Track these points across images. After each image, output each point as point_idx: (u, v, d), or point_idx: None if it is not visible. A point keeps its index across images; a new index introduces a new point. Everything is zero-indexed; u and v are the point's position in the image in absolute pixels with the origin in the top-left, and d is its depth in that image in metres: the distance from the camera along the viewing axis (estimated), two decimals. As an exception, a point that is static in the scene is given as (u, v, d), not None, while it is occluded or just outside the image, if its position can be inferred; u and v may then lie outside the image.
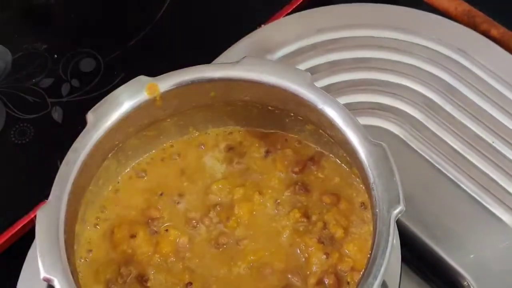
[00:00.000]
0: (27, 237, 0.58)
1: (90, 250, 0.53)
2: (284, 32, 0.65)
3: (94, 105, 0.59)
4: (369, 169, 0.47)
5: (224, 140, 0.56)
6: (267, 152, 0.56)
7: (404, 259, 0.53)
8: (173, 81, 0.52)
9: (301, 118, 0.53)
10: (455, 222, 0.56)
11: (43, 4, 0.69)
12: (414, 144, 0.60)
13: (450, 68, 0.62)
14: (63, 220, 0.47)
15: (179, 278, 0.52)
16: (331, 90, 0.62)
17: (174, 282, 0.52)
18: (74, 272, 0.46)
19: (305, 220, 0.53)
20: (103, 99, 0.51)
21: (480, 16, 0.65)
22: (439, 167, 0.59)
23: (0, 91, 0.64)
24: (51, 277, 0.45)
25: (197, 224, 0.53)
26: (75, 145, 0.50)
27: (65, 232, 0.47)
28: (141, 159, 0.56)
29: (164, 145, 0.56)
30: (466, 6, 0.66)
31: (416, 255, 0.56)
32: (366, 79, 0.63)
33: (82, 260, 0.52)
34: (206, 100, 0.54)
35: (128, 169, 0.55)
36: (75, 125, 0.62)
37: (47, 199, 0.59)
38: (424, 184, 0.58)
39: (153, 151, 0.56)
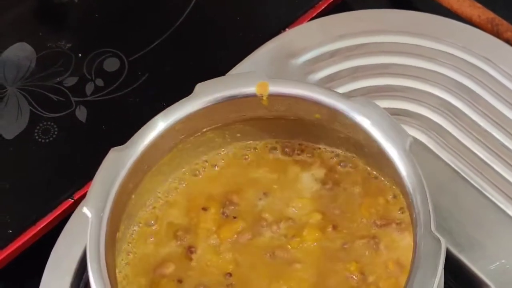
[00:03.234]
0: (50, 237, 0.58)
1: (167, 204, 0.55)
2: (307, 37, 0.65)
3: (117, 104, 0.61)
4: None
5: (329, 162, 0.56)
6: (361, 193, 0.55)
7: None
8: (282, 89, 0.53)
9: None
10: (479, 230, 0.56)
11: (67, 3, 0.69)
12: (438, 151, 0.60)
13: (475, 75, 0.62)
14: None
15: (223, 266, 0.52)
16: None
17: (216, 266, 0.52)
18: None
19: (358, 276, 0.52)
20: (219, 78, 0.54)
21: (503, 25, 0.65)
22: (463, 174, 0.58)
23: (24, 89, 0.64)
24: None
25: (265, 226, 0.54)
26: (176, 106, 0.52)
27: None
28: (250, 142, 0.57)
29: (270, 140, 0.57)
30: (490, 14, 0.66)
31: (440, 262, 0.56)
32: (389, 85, 0.63)
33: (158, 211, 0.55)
34: (312, 119, 0.54)
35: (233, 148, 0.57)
36: (99, 124, 0.63)
37: (71, 198, 0.60)
38: (449, 192, 0.58)
39: (261, 142, 0.57)
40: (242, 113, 0.54)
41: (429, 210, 0.47)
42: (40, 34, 0.67)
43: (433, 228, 0.47)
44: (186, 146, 0.55)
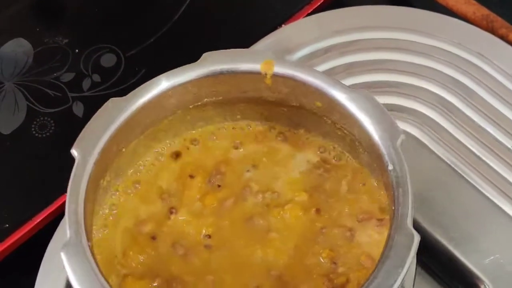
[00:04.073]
0: (47, 231, 0.59)
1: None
2: (303, 33, 0.65)
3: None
4: None
5: (325, 151, 0.57)
6: (348, 188, 0.55)
7: (420, 261, 0.54)
8: (286, 70, 0.53)
9: None
10: (472, 225, 0.57)
11: (65, -1, 0.70)
12: (432, 146, 0.60)
13: (470, 71, 0.63)
14: None
15: (202, 227, 0.53)
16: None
17: (196, 228, 0.53)
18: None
19: (330, 264, 0.52)
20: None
21: (498, 21, 0.66)
22: (457, 169, 0.59)
23: (21, 85, 0.65)
24: None
25: (249, 194, 0.54)
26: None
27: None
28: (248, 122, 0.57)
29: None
30: (485, 11, 0.66)
31: (433, 257, 0.57)
32: (384, 81, 0.63)
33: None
34: (313, 107, 0.54)
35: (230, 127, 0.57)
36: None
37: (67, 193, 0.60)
38: (442, 186, 0.58)
39: (259, 125, 0.57)
40: (245, 89, 0.54)
41: (409, 205, 0.47)
42: (38, 29, 0.68)
43: (409, 223, 0.47)
44: (185, 118, 0.55)
